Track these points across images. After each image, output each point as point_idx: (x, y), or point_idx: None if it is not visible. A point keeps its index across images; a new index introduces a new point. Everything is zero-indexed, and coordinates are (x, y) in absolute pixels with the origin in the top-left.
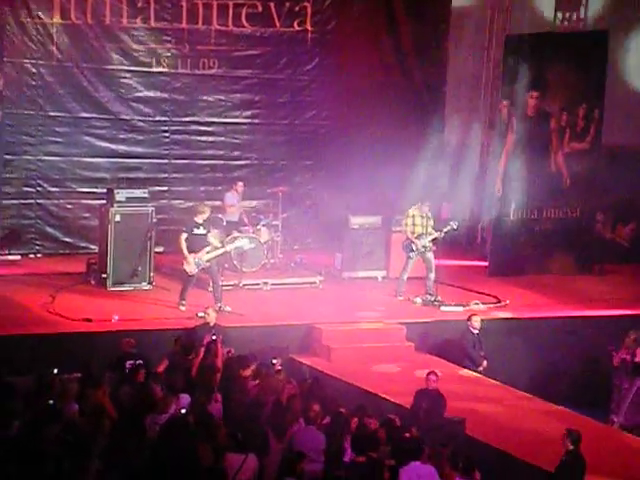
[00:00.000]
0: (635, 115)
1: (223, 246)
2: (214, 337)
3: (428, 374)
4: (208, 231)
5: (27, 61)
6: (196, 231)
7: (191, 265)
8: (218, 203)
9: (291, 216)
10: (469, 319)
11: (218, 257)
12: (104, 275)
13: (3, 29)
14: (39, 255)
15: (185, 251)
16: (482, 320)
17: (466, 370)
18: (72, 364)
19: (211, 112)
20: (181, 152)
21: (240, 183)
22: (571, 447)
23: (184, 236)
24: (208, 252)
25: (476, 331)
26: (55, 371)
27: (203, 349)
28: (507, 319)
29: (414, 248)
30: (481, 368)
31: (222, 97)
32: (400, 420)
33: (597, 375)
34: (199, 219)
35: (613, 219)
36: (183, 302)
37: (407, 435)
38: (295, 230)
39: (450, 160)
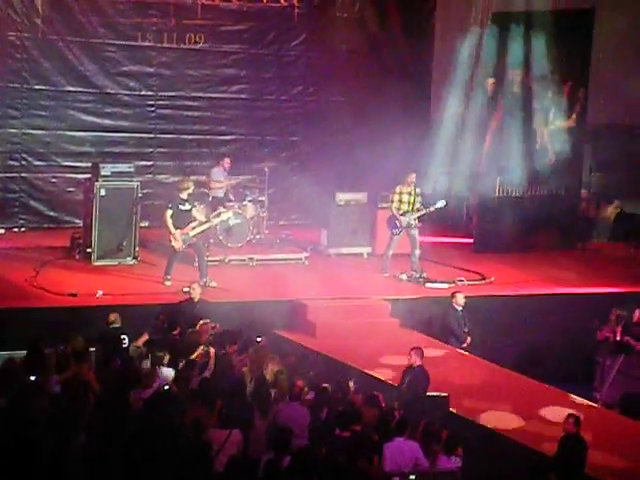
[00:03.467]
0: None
1: (208, 220)
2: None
3: (411, 350)
4: (193, 206)
5: (12, 34)
6: (181, 207)
7: (178, 241)
8: (203, 178)
9: (277, 192)
10: (453, 296)
11: (204, 232)
12: (89, 249)
13: None
14: (23, 229)
15: (172, 228)
16: (467, 297)
17: (450, 347)
18: (56, 339)
19: (197, 87)
20: (166, 127)
21: (227, 159)
22: (574, 431)
23: (169, 212)
24: (194, 227)
25: (460, 308)
26: (39, 345)
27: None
28: (492, 296)
29: (398, 225)
30: (465, 345)
31: (208, 72)
32: (384, 396)
33: (580, 352)
34: (184, 195)
35: (597, 197)
36: (168, 277)
37: (390, 411)
38: (281, 206)
39: (436, 137)
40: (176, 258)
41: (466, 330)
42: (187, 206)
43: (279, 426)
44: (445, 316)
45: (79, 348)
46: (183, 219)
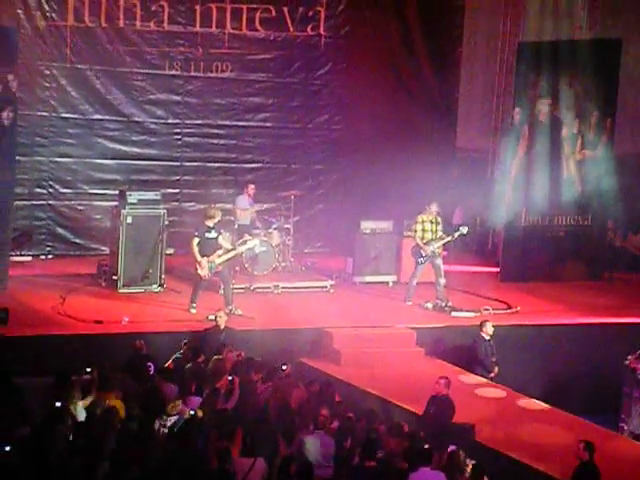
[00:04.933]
0: None
1: (234, 248)
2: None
3: (437, 380)
4: (219, 234)
5: (41, 63)
6: (207, 235)
7: (204, 269)
8: (229, 206)
9: (302, 220)
10: (482, 325)
11: (230, 260)
12: (115, 277)
13: (17, 31)
14: (50, 256)
15: (198, 256)
16: (493, 326)
17: (476, 376)
18: (82, 366)
19: (223, 115)
20: (193, 155)
21: (251, 185)
22: (586, 458)
23: (196, 240)
24: (220, 255)
25: (488, 337)
26: (66, 374)
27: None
28: (518, 325)
29: (423, 254)
30: (492, 374)
31: (235, 100)
32: (409, 426)
33: (607, 383)
34: (210, 223)
35: (624, 228)
36: (194, 305)
37: (416, 440)
38: (306, 234)
39: (462, 166)
40: (202, 286)
41: (494, 360)
42: (213, 234)
43: (303, 458)
44: (473, 345)
45: (105, 375)
46: (209, 247)
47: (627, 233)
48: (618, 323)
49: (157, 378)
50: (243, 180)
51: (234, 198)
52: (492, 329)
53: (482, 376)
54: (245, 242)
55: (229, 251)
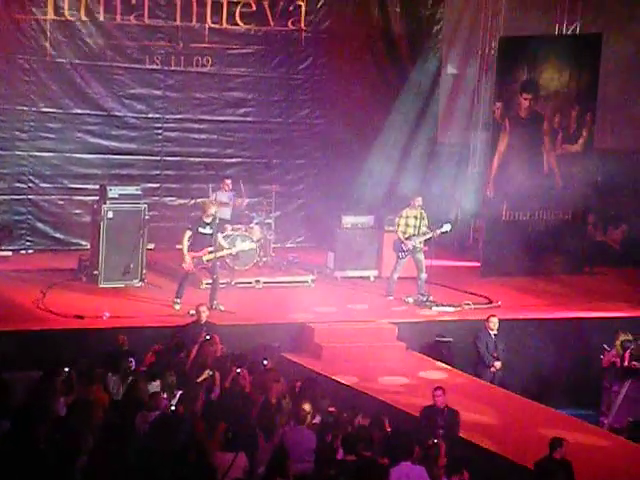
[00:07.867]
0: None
1: (230, 248)
2: (207, 337)
3: (435, 392)
4: (217, 231)
5: (20, 57)
6: (201, 230)
7: (187, 263)
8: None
9: (283, 215)
10: (487, 320)
11: (219, 258)
12: (95, 272)
13: None
14: (30, 251)
15: (185, 249)
16: (474, 320)
17: (457, 370)
18: (63, 361)
19: (204, 110)
20: (173, 149)
21: (227, 181)
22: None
23: (188, 234)
24: (211, 252)
25: (493, 332)
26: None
27: (196, 347)
28: (499, 320)
29: (404, 248)
30: (493, 369)
31: (215, 95)
32: (390, 420)
33: (587, 377)
34: (207, 218)
35: (604, 222)
36: (178, 300)
37: (396, 435)
38: (287, 229)
39: (443, 161)
40: (188, 280)
41: (495, 355)
42: (208, 230)
43: (275, 448)
44: (474, 340)
45: (83, 370)
46: (200, 242)
47: (607, 227)
48: (599, 317)
49: (142, 376)
50: (224, 175)
51: (215, 193)
52: (497, 324)
53: (482, 370)
54: (241, 243)
55: (223, 249)
